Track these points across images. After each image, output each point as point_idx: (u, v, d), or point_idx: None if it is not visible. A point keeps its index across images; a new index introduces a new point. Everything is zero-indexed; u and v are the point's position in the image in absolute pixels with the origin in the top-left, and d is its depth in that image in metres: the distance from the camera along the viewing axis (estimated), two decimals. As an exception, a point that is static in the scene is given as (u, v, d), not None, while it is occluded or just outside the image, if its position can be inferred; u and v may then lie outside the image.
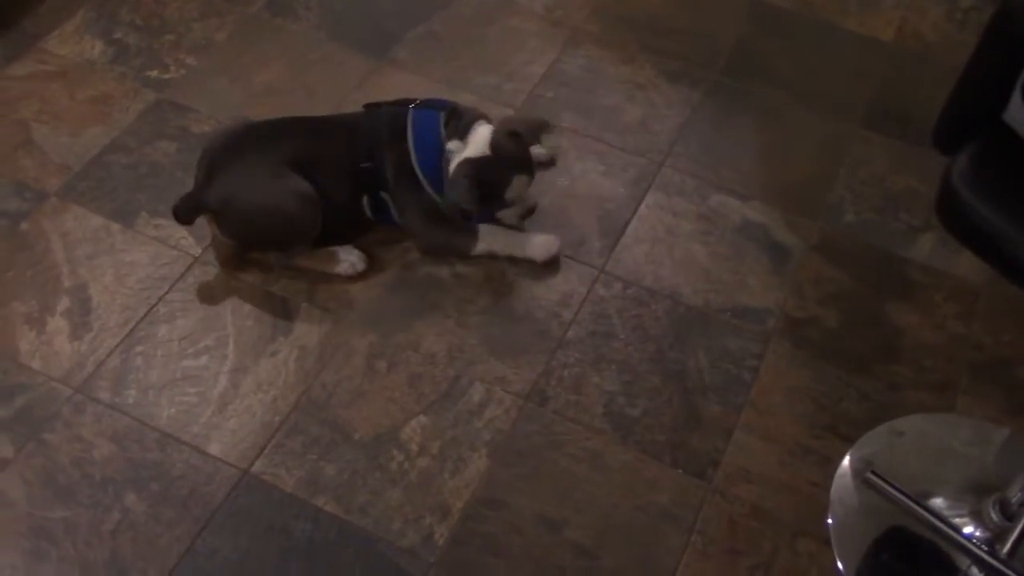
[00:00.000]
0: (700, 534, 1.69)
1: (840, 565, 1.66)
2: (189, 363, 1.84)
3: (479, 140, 1.90)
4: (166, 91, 2.28)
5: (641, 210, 2.14)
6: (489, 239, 2.00)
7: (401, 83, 2.33)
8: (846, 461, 1.78)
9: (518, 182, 1.92)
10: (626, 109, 2.34)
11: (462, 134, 1.93)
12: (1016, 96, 1.32)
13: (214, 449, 1.73)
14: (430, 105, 1.98)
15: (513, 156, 1.91)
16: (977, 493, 1.72)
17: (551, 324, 1.94)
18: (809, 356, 1.93)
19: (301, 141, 1.93)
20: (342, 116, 2.03)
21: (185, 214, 1.89)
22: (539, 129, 1.99)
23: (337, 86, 2.32)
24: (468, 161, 1.88)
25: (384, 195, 1.96)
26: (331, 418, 1.78)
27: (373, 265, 1.99)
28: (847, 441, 1.81)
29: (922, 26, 2.60)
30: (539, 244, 2.01)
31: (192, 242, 2.00)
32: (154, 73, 2.31)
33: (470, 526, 1.68)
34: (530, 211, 2.04)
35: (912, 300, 2.03)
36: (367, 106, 2.02)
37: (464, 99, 2.29)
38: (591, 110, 2.33)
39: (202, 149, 1.95)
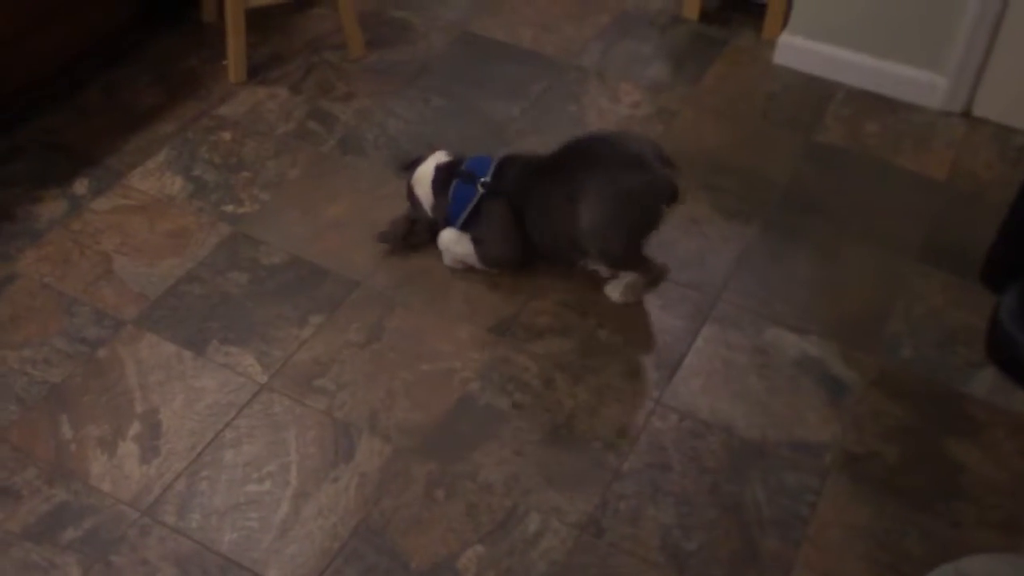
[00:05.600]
0: (758, 673, 1.66)
1: None
2: (253, 488, 1.88)
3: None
4: (240, 225, 2.39)
5: (697, 343, 2.17)
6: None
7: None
8: (908, 601, 1.75)
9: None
10: (682, 243, 2.39)
11: None
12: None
13: (273, 575, 1.76)
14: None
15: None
16: (1046, 637, 1.67)
17: (608, 455, 1.95)
18: (869, 492, 1.92)
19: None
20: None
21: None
22: None
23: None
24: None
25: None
26: (389, 545, 1.80)
27: (432, 393, 2.04)
28: (909, 580, 1.78)
29: (975, 165, 2.64)
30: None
31: (259, 369, 2.06)
32: (230, 208, 2.43)
33: (525, 659, 1.67)
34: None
35: (973, 436, 2.02)
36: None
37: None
38: (648, 244, 2.38)
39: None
